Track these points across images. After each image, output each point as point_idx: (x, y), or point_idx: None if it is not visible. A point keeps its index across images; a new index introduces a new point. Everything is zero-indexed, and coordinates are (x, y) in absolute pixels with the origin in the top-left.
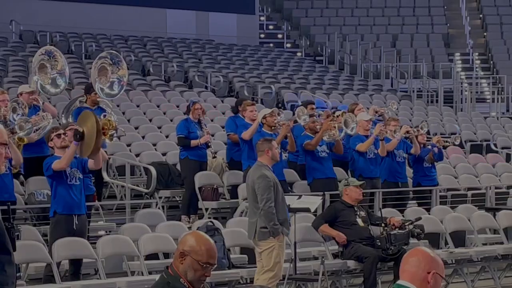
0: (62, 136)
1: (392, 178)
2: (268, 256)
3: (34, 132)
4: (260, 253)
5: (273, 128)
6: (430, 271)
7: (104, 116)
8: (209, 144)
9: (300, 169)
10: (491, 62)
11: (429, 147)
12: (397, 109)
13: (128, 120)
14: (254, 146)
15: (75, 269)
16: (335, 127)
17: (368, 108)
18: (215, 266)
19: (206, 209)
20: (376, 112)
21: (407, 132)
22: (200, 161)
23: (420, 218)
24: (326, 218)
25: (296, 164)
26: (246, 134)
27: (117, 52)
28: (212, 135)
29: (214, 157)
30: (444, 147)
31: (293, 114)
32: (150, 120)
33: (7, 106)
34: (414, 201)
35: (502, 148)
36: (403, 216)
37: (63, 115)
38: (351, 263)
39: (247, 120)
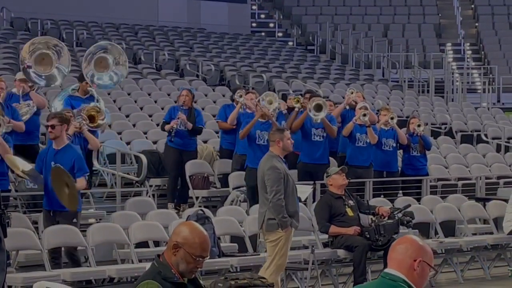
0: (49, 128)
1: (378, 167)
2: (272, 247)
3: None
4: (266, 243)
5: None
6: (416, 259)
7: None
8: (172, 130)
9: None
10: (483, 52)
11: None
12: (352, 92)
13: (119, 108)
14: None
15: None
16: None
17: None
18: (208, 258)
19: (197, 198)
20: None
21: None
22: (180, 149)
23: (409, 206)
24: (327, 218)
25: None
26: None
27: (108, 40)
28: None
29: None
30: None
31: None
32: (141, 108)
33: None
34: (403, 191)
35: (493, 138)
36: (392, 205)
37: (53, 104)
38: (341, 252)
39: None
